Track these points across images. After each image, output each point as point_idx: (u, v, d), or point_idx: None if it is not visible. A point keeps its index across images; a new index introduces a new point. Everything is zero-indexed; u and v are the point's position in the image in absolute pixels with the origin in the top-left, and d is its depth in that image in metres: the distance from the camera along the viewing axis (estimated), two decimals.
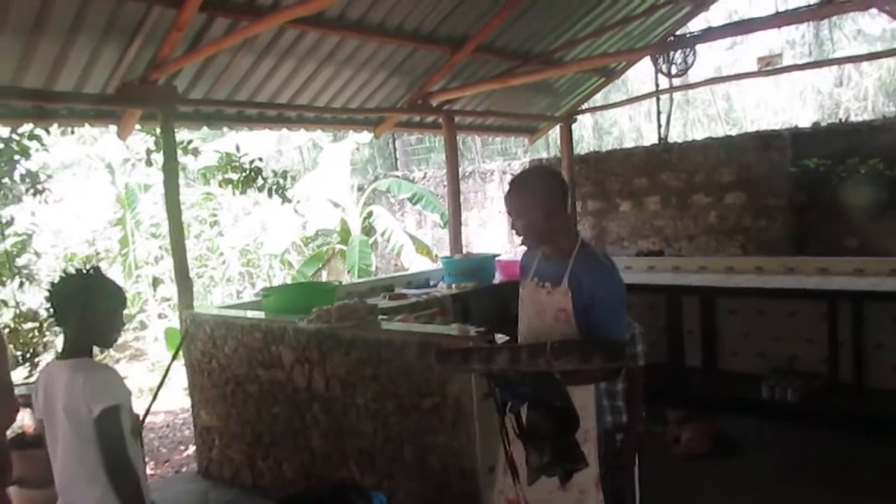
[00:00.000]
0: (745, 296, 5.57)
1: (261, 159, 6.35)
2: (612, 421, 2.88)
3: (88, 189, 10.45)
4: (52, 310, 2.26)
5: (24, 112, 4.73)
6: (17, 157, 5.53)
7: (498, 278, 6.30)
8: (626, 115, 16.19)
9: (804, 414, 5.00)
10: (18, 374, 5.88)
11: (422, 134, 10.36)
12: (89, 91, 4.73)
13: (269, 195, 6.10)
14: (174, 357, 4.66)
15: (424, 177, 10.00)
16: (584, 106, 8.57)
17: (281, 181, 6.17)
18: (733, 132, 12.12)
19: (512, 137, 10.80)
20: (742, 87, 15.31)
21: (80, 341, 2.26)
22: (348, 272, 8.67)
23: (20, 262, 6.78)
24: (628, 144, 14.72)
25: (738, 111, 16.27)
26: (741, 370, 5.82)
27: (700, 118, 16.40)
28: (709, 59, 12.98)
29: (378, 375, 3.59)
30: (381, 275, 8.63)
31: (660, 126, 8.77)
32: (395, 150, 10.87)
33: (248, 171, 5.96)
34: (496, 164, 9.46)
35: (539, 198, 2.37)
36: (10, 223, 6.03)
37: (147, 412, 3.72)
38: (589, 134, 15.73)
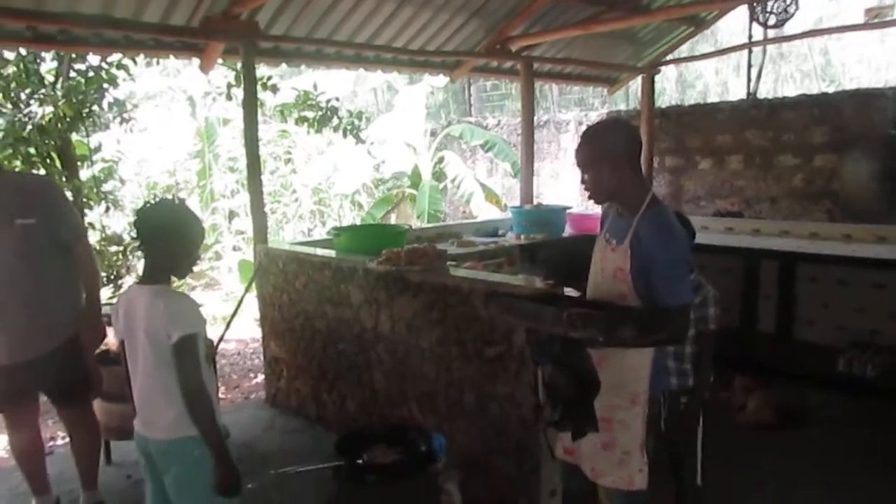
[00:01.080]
0: (829, 263, 5.31)
1: (337, 99, 6.36)
2: (678, 383, 2.84)
3: (170, 121, 10.76)
4: (137, 236, 2.33)
5: (114, 41, 4.85)
6: (105, 85, 5.70)
7: (568, 231, 6.21)
8: (713, 67, 15.45)
9: (882, 391, 4.79)
10: (103, 295, 6.20)
11: (498, 80, 10.17)
12: (175, 23, 4.80)
13: (344, 135, 6.13)
14: (247, 289, 4.83)
15: (498, 124, 9.84)
16: (669, 57, 8.21)
17: (356, 121, 6.18)
18: (830, 89, 11.42)
19: (590, 87, 10.45)
20: (843, 41, 14.35)
21: (161, 268, 2.34)
22: (417, 217, 8.71)
23: (106, 187, 7.08)
24: (713, 99, 14.08)
25: (836, 67, 15.28)
26: (817, 341, 5.58)
27: (793, 74, 15.50)
28: (809, 9, 12.15)
29: (443, 320, 3.61)
30: (449, 221, 8.63)
31: (749, 80, 8.31)
32: (469, 95, 10.72)
33: (324, 110, 5.98)
34: (572, 114, 9.22)
35: (608, 152, 2.30)
36: (97, 150, 6.26)
37: (220, 340, 3.88)
38: (671, 87, 15.09)
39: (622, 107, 11.36)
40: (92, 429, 3.49)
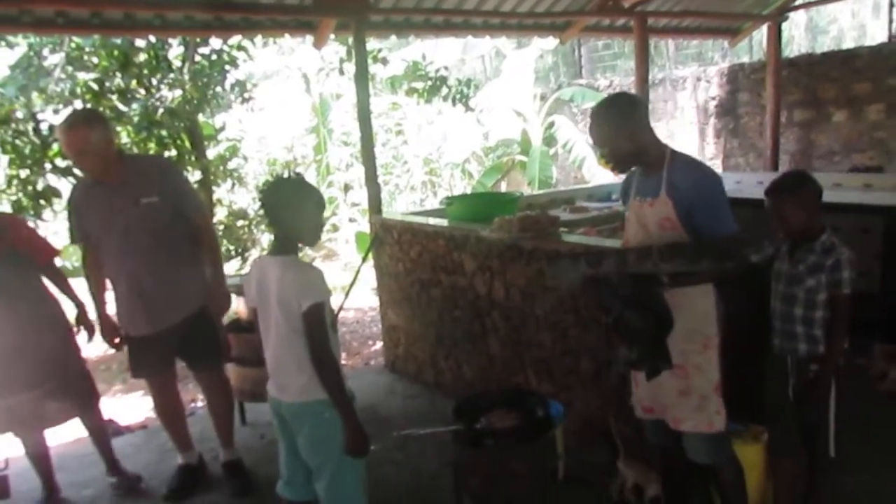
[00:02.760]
0: None
1: (446, 68, 6.37)
2: (807, 349, 2.69)
3: (286, 98, 11.17)
4: (263, 211, 2.45)
5: (233, 24, 5.06)
6: (227, 67, 5.98)
7: None
8: (849, 10, 14.17)
9: None
10: (231, 267, 6.60)
11: (611, 39, 9.82)
12: (289, 2, 4.95)
13: (453, 104, 6.14)
14: (364, 259, 4.98)
15: (610, 85, 9.52)
16: (798, 2, 7.61)
17: (464, 90, 6.17)
18: None
19: (710, 41, 9.89)
20: None
21: (290, 240, 2.44)
22: (528, 184, 8.62)
23: (231, 165, 7.49)
24: (848, 45, 12.95)
25: None
26: None
27: None
28: None
29: (558, 287, 3.57)
30: (560, 187, 8.48)
31: (891, 22, 7.58)
32: (579, 56, 10.41)
33: (433, 80, 6.01)
34: (689, 70, 8.76)
35: (618, 123, 2.42)
36: (222, 129, 6.60)
37: (340, 309, 4.02)
38: (800, 34, 13.97)
39: (745, 59, 10.71)
40: (225, 392, 3.69)
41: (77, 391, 3.48)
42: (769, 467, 2.91)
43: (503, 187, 10.29)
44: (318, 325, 2.34)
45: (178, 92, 5.37)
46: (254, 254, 6.55)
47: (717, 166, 8.53)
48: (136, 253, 3.20)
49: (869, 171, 6.29)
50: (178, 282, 3.30)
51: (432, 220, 4.66)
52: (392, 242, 4.92)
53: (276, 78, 12.86)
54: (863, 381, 4.24)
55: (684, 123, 8.85)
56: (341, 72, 5.97)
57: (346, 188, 10.11)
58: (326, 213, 10.17)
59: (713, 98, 8.40)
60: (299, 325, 2.34)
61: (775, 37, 7.43)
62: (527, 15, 6.11)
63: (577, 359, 3.57)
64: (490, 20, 6.01)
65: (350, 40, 5.52)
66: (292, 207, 2.39)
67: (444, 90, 6.11)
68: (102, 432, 3.76)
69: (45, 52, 5.55)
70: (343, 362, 6.39)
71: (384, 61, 5.88)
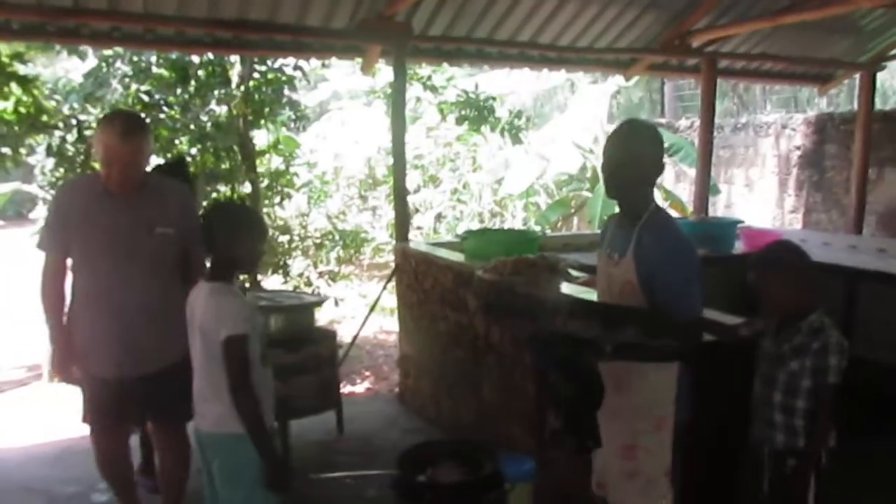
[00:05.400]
0: None
1: (494, 98, 6.26)
2: (785, 441, 2.40)
3: (367, 118, 11.38)
4: (203, 233, 2.43)
5: (283, 45, 5.18)
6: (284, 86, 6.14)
7: (739, 249, 5.53)
8: None
9: None
10: (273, 282, 6.72)
11: (681, 79, 9.40)
12: (335, 26, 5.01)
13: (501, 134, 6.01)
14: (385, 286, 4.92)
15: (691, 126, 9.10)
16: None
17: (515, 121, 6.03)
18: None
19: (798, 86, 9.28)
20: None
21: (223, 266, 2.40)
22: (588, 222, 8.34)
23: (298, 181, 7.71)
24: None
25: None
26: None
27: None
28: None
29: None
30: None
31: None
32: (662, 95, 10.02)
33: (479, 109, 5.92)
34: (775, 116, 8.23)
35: (630, 153, 2.21)
36: (276, 143, 6.75)
37: (357, 334, 4.02)
38: None
39: (848, 107, 9.97)
40: (185, 455, 3.01)
41: None
42: None
43: (575, 223, 10.01)
44: (236, 356, 2.28)
45: (225, 108, 5.54)
46: (295, 268, 6.64)
47: (797, 221, 7.95)
48: (132, 285, 2.76)
49: None
50: (168, 325, 2.76)
51: (447, 253, 4.54)
52: (409, 271, 4.84)
53: (364, 98, 13.21)
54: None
55: (766, 172, 8.31)
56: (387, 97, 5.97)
57: (413, 211, 10.12)
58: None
59: (797, 147, 7.84)
60: (218, 353, 2.30)
61: (868, 87, 6.86)
62: (587, 50, 5.93)
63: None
64: (546, 53, 5.87)
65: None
66: (231, 233, 2.36)
67: (493, 120, 5.99)
68: None
69: (119, 63, 5.88)
70: (368, 386, 6.43)
71: (434, 88, 5.85)
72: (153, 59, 5.76)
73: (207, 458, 2.45)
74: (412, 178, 10.36)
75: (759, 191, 8.32)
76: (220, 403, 2.32)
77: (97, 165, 5.78)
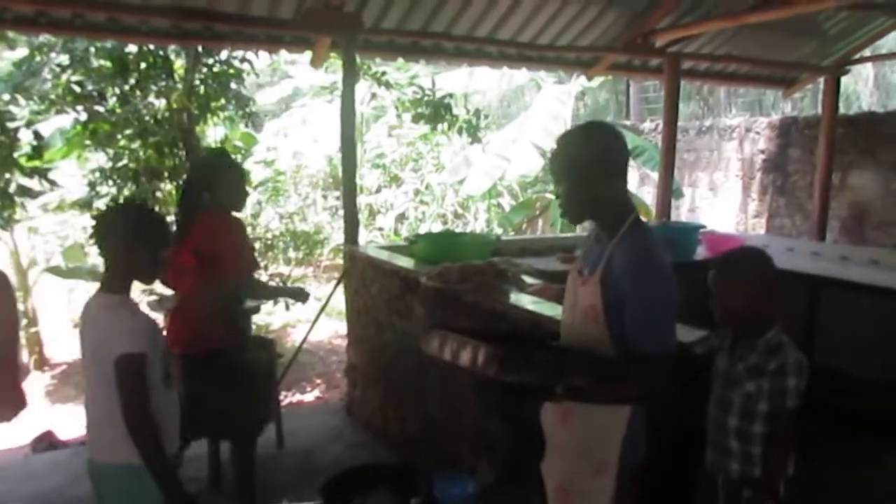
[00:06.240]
0: None
1: (451, 96, 6.04)
2: (740, 470, 2.18)
3: (329, 115, 11.06)
4: (94, 240, 2.15)
5: (224, 35, 4.88)
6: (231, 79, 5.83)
7: (701, 255, 5.37)
8: None
9: None
10: None
11: (645, 79, 9.27)
12: (281, 16, 4.74)
13: (459, 133, 5.79)
14: (333, 290, 4.66)
15: (655, 129, 8.98)
16: (864, 54, 6.94)
17: (473, 120, 5.81)
18: None
19: (763, 89, 9.22)
20: None
21: (117, 277, 2.13)
22: (551, 225, 8.15)
23: (255, 180, 7.38)
24: None
25: None
26: None
27: None
28: None
29: None
30: (567, 233, 7.90)
31: None
32: (627, 96, 9.88)
33: (435, 107, 5.69)
34: (739, 119, 8.13)
35: (578, 159, 1.88)
36: (223, 142, 6.45)
37: (303, 341, 3.83)
38: (869, 90, 12.85)
39: (813, 111, 9.94)
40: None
41: None
42: None
43: (539, 226, 9.83)
44: (131, 378, 2.02)
45: (164, 101, 5.23)
46: (262, 276, 6.33)
47: (760, 225, 7.86)
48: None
49: None
50: None
51: (393, 257, 4.30)
52: (357, 276, 4.59)
53: (328, 95, 12.88)
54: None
55: (730, 176, 8.21)
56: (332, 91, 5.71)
57: (372, 212, 9.87)
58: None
59: (762, 151, 7.74)
60: (112, 374, 2.03)
61: (832, 91, 6.78)
62: (548, 47, 5.73)
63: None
64: (506, 50, 5.66)
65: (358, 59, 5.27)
66: (126, 239, 2.09)
67: (449, 118, 5.76)
68: None
69: (54, 54, 5.53)
70: (318, 395, 6.16)
71: (388, 84, 5.60)
72: (92, 49, 5.41)
73: (101, 493, 2.17)
74: (373, 178, 10.12)
75: (723, 195, 8.21)
76: (116, 430, 2.05)
77: (22, 161, 5.52)
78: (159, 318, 4.20)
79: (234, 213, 3.29)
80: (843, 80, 6.97)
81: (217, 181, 3.17)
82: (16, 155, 4.96)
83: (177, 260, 3.11)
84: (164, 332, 2.93)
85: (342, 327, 7.36)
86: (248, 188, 3.36)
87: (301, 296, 3.73)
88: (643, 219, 2.01)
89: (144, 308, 3.13)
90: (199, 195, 3.23)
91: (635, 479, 1.98)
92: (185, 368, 3.08)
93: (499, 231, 8.20)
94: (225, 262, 3.09)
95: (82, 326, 2.14)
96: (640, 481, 2.00)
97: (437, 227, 9.61)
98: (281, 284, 6.51)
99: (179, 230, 3.16)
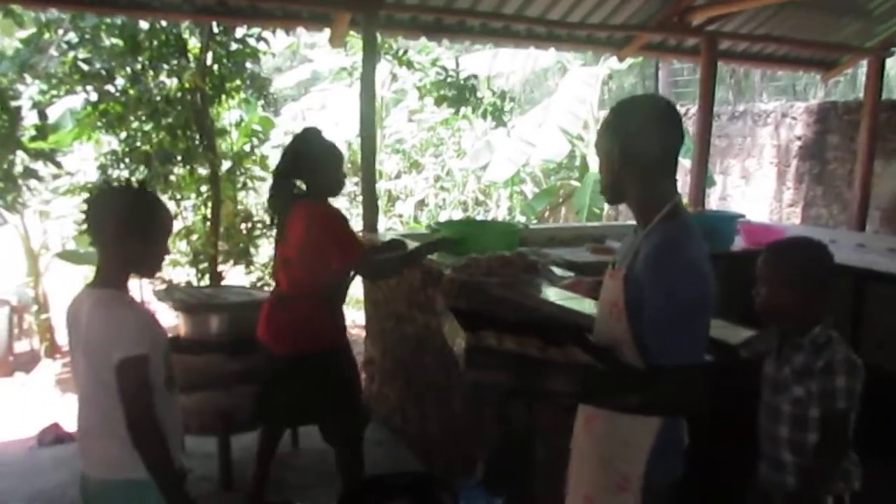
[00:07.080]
0: None
1: (475, 77, 5.77)
2: (797, 485, 1.93)
3: (349, 99, 10.83)
4: (87, 228, 1.93)
5: (239, 10, 4.66)
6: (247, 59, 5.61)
7: (739, 245, 5.09)
8: None
9: None
10: (235, 276, 6.22)
11: (679, 61, 8.92)
12: None
13: (483, 117, 5.53)
14: (352, 279, 4.44)
15: (686, 113, 8.63)
16: None
17: (498, 102, 5.53)
18: None
19: (801, 72, 8.82)
20: None
21: (112, 269, 1.91)
22: (576, 213, 7.87)
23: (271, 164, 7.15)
24: None
25: None
26: None
27: None
28: None
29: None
30: (610, 221, 7.65)
31: None
32: (656, 79, 9.53)
33: (459, 89, 5.43)
34: (775, 104, 7.77)
35: (620, 134, 1.68)
36: (239, 124, 6.24)
37: None
38: None
39: (847, 97, 9.55)
40: None
41: None
42: None
43: (562, 214, 9.56)
44: (134, 384, 1.80)
45: (175, 81, 5.01)
46: (259, 258, 6.14)
47: (795, 215, 7.53)
48: None
49: None
50: None
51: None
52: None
53: (349, 78, 12.63)
54: None
55: (764, 164, 7.87)
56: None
57: (391, 198, 9.63)
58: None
59: (798, 138, 7.40)
60: (110, 379, 1.81)
61: (876, 74, 6.43)
62: (578, 26, 5.44)
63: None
64: (534, 28, 5.38)
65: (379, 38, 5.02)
66: (119, 225, 1.87)
67: (474, 101, 5.49)
68: None
69: (62, 31, 5.34)
70: None
71: (409, 63, 5.34)
72: (102, 26, 5.21)
73: None
74: (393, 163, 9.88)
75: (755, 183, 7.88)
76: (115, 442, 1.83)
77: (25, 142, 5.34)
78: (165, 309, 4.05)
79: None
80: (888, 62, 6.61)
81: (315, 167, 2.96)
82: (19, 135, 4.77)
83: (279, 253, 3.01)
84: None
85: (360, 317, 7.17)
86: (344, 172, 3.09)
87: (445, 245, 3.48)
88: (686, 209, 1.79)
89: (150, 297, 2.96)
90: (292, 182, 3.04)
91: (664, 500, 1.74)
92: (293, 370, 2.92)
93: (522, 219, 7.94)
94: (330, 254, 2.87)
95: (71, 324, 1.93)
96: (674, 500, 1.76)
97: (457, 215, 9.35)
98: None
99: (277, 222, 3.04)
